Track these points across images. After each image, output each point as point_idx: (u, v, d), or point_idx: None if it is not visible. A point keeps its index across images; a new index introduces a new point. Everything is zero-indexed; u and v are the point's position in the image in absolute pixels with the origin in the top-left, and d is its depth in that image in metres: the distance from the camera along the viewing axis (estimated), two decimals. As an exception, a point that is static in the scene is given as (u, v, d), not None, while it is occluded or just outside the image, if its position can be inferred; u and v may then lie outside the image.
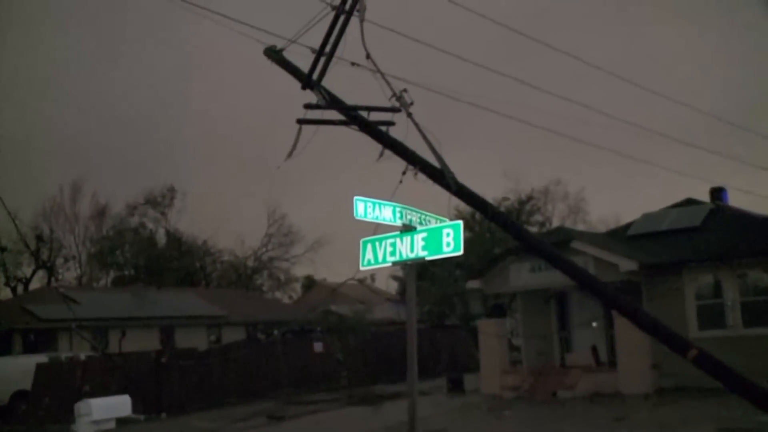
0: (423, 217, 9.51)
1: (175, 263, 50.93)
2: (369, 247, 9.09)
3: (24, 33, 68.53)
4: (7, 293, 47.30)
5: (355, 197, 8.89)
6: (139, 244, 51.17)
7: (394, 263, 9.01)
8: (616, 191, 68.63)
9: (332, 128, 11.45)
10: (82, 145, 68.60)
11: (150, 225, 53.60)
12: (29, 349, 30.95)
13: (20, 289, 48.15)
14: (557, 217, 47.84)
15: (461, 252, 8.34)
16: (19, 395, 25.39)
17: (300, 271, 59.11)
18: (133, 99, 74.08)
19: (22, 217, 49.27)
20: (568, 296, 22.01)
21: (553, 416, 16.47)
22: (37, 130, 67.18)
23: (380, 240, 9.04)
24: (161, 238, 53.81)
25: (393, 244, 8.88)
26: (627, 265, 19.13)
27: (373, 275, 55.67)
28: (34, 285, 48.31)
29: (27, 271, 49.62)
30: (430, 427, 14.92)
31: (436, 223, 9.37)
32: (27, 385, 25.00)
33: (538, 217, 43.35)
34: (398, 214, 9.15)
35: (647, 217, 23.43)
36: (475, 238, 36.99)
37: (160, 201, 52.89)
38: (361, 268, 9.17)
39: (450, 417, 17.44)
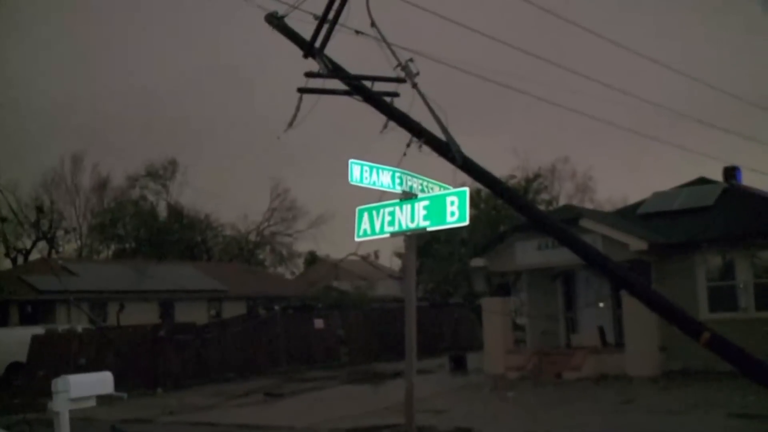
0: (425, 183, 8.79)
1: (176, 236, 50.53)
2: (365, 216, 8.37)
3: (27, 5, 67.76)
4: (7, 264, 47.07)
5: (351, 160, 8.20)
6: (139, 217, 50.77)
7: (393, 234, 8.28)
8: (624, 171, 68.01)
9: (335, 99, 10.95)
10: (84, 116, 68.10)
11: (151, 198, 53.23)
12: (27, 320, 30.65)
13: (21, 260, 47.87)
14: (564, 195, 47.39)
15: (467, 222, 7.62)
16: (14, 367, 25.12)
17: (303, 246, 58.72)
18: (135, 71, 73.38)
19: (23, 187, 48.99)
20: (575, 275, 21.51)
21: (558, 398, 16.01)
22: (39, 100, 66.60)
23: (378, 208, 8.30)
24: (162, 211, 53.43)
25: (392, 213, 8.12)
26: (637, 244, 18.59)
27: (376, 252, 55.19)
28: (35, 256, 48.05)
29: (27, 242, 49.36)
30: (432, 408, 14.48)
31: (440, 190, 8.65)
32: (23, 356, 24.72)
33: (544, 196, 42.76)
34: (398, 180, 8.40)
35: (658, 195, 22.82)
36: (481, 215, 36.43)
37: (162, 174, 52.43)
38: (357, 239, 8.49)
39: (452, 397, 17.02)
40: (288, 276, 56.04)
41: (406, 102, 10.39)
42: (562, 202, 43.88)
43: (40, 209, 48.62)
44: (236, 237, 55.53)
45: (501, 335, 21.29)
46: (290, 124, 10.75)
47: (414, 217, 7.97)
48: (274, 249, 57.76)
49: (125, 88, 70.85)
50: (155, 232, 50.03)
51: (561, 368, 19.15)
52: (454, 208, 7.65)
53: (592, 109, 16.02)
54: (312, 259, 58.35)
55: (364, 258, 47.96)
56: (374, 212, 8.34)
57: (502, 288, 23.91)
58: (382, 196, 8.58)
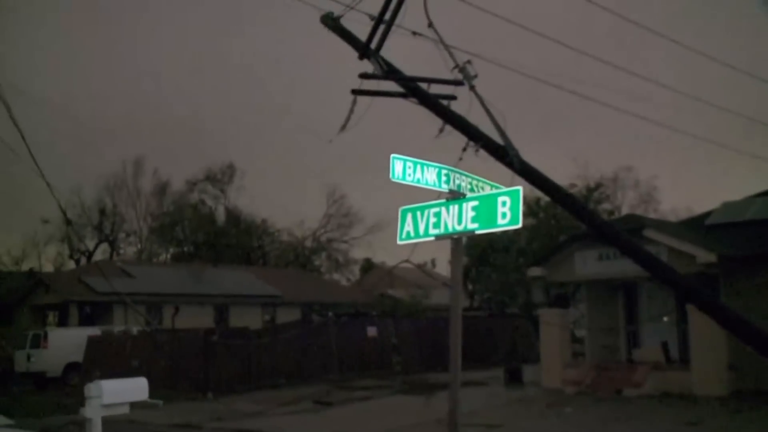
0: (474, 182, 8.10)
1: (233, 241, 50.88)
2: (408, 217, 7.73)
3: (85, 12, 69.50)
4: (71, 265, 48.18)
5: (392, 155, 7.61)
6: (198, 221, 51.33)
7: (438, 237, 7.56)
8: (689, 181, 65.85)
9: (389, 102, 10.58)
10: (145, 121, 69.34)
11: (209, 202, 53.80)
12: (85, 321, 31.15)
13: (84, 262, 48.96)
14: (627, 205, 45.85)
15: (519, 225, 6.89)
16: (72, 367, 25.48)
17: (359, 253, 58.49)
18: (195, 75, 74.54)
19: (87, 191, 50.14)
20: (637, 287, 20.60)
21: (618, 416, 15.20)
22: (102, 107, 68.15)
23: (422, 209, 7.60)
24: (220, 215, 53.93)
25: (437, 215, 7.43)
26: (705, 256, 17.60)
27: (433, 260, 54.54)
28: (98, 258, 49.10)
29: (90, 244, 50.50)
30: (484, 422, 13.91)
31: (491, 190, 7.94)
32: (80, 357, 25.05)
33: (606, 206, 41.44)
34: (444, 178, 7.70)
35: (728, 206, 21.70)
36: (539, 225, 35.53)
37: (220, 178, 52.94)
38: (399, 242, 7.87)
39: (506, 411, 16.39)
40: (344, 283, 55.86)
41: (463, 105, 9.97)
42: (625, 212, 42.51)
43: (102, 212, 49.70)
44: (293, 243, 55.63)
45: (559, 348, 20.53)
46: (343, 127, 10.41)
47: (461, 219, 7.28)
48: (330, 255, 57.70)
49: (182, 91, 71.90)
50: (213, 236, 50.49)
51: (621, 384, 18.30)
52: (506, 210, 6.94)
53: (656, 115, 15.28)
54: (368, 266, 58.05)
55: (419, 266, 47.42)
56: (418, 213, 7.70)
57: (561, 299, 23.14)
58: (439, 194, 8.00)
